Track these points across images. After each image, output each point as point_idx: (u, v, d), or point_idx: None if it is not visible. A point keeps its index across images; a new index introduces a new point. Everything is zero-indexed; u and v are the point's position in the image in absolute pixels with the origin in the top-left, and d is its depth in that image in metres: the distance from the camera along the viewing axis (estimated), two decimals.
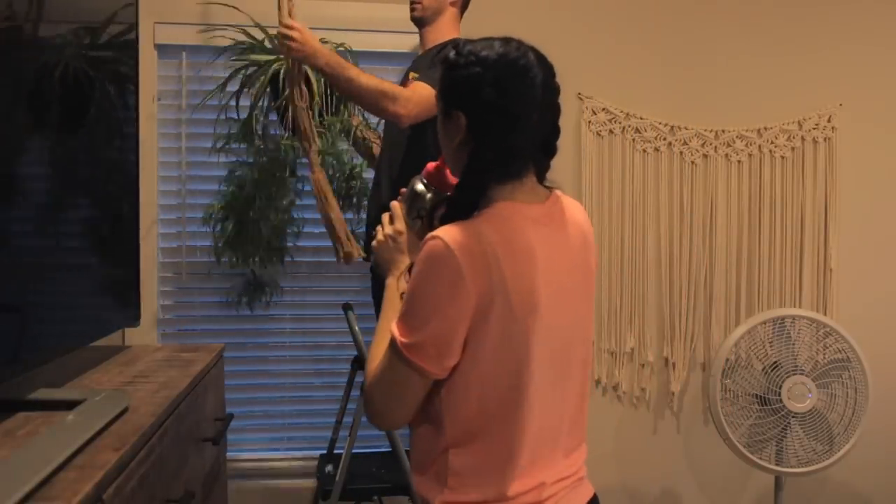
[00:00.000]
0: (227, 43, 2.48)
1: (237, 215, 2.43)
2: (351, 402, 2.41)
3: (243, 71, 2.42)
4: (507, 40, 1.29)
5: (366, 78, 2.05)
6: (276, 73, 2.30)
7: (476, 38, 1.32)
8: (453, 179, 1.34)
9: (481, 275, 1.17)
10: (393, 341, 1.22)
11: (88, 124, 1.75)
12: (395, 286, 1.34)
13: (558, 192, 1.38)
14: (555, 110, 1.33)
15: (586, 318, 1.34)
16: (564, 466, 1.31)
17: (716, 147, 2.85)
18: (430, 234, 1.21)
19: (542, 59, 1.31)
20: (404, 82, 2.20)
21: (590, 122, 2.80)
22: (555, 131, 1.35)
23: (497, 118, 1.25)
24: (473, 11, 2.37)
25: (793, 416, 2.46)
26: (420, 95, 2.04)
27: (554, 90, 1.32)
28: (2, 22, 1.27)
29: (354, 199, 2.48)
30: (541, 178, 1.36)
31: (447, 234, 1.19)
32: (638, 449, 2.86)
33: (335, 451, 2.43)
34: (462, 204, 1.26)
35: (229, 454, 2.23)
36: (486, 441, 1.23)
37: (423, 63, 2.18)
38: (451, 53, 1.30)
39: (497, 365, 1.21)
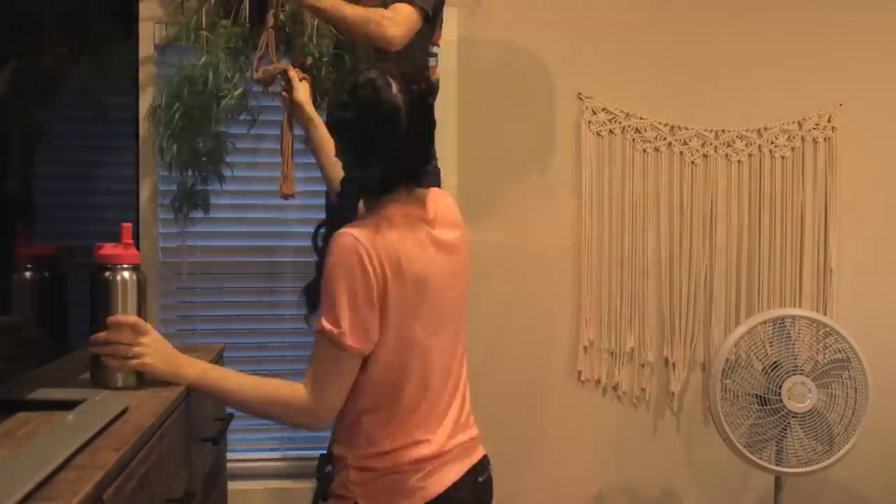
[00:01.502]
0: None
1: (184, 108, 2.34)
2: None
3: None
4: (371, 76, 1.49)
5: (350, 9, 2.01)
6: None
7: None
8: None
9: (382, 263, 1.40)
10: (327, 338, 1.41)
11: (87, 124, 1.75)
12: None
13: (433, 193, 1.59)
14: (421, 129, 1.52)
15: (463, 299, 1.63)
16: (460, 428, 1.57)
17: (716, 147, 2.85)
18: (338, 232, 1.43)
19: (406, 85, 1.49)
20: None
21: (590, 122, 2.80)
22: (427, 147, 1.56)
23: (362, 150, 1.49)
24: (475, 13, 2.37)
25: (793, 416, 2.46)
26: (402, 14, 2.04)
27: (424, 110, 1.52)
28: (2, 21, 1.27)
29: None
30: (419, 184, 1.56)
31: (353, 230, 1.42)
32: (638, 449, 2.86)
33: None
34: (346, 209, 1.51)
35: (229, 454, 2.23)
36: (392, 403, 1.48)
37: None
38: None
39: (399, 340, 1.45)
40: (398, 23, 2.03)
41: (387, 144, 1.47)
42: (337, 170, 1.69)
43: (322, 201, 2.40)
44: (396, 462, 1.49)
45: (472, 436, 1.61)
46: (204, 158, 2.42)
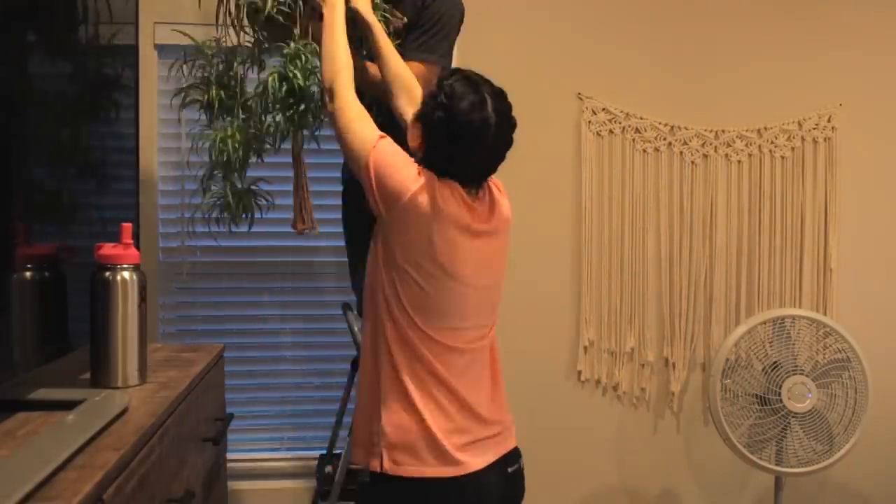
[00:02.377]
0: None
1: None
2: (350, 403, 2.41)
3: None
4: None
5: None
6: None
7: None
8: None
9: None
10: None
11: (87, 124, 1.75)
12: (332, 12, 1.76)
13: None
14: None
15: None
16: None
17: (716, 147, 2.85)
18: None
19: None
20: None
21: (590, 122, 2.80)
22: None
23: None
24: (474, 13, 2.37)
25: (793, 416, 2.46)
26: (422, 83, 1.96)
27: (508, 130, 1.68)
28: (2, 21, 1.27)
29: None
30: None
31: None
32: (638, 449, 2.86)
33: (335, 451, 2.43)
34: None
35: (229, 454, 2.23)
36: None
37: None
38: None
39: None
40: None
41: (466, 155, 1.60)
42: (396, 88, 1.83)
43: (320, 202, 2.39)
44: None
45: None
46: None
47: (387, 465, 1.58)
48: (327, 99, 1.70)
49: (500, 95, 1.63)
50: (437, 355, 1.60)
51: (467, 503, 1.62)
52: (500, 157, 1.67)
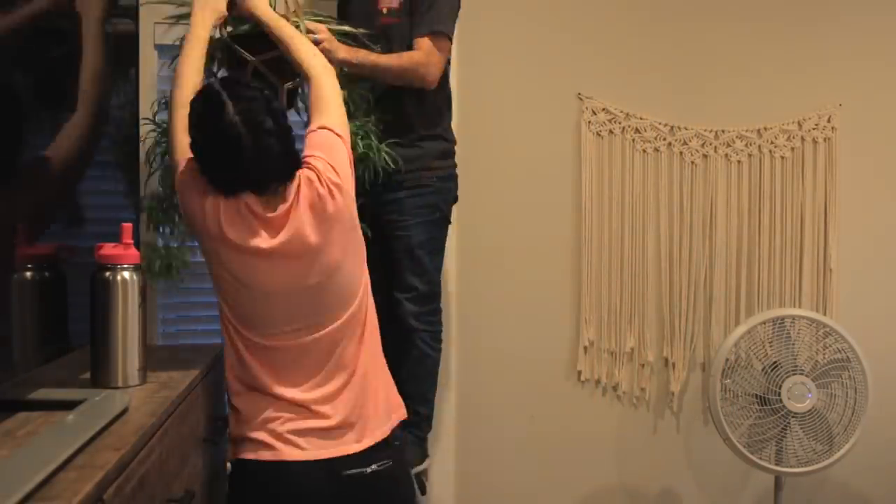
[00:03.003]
0: None
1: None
2: None
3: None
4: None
5: (384, 59, 2.09)
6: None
7: None
8: None
9: None
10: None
11: (87, 124, 1.75)
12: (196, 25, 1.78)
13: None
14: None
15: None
16: None
17: (716, 147, 2.85)
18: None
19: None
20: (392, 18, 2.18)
21: (590, 122, 2.80)
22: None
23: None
24: (475, 13, 2.37)
25: (792, 416, 2.46)
26: (434, 57, 2.14)
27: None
28: (3, 21, 1.27)
29: None
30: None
31: None
32: (638, 449, 2.86)
33: None
34: None
35: None
36: None
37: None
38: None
39: None
40: (433, 64, 2.14)
41: (218, 167, 1.59)
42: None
43: None
44: None
45: None
46: None
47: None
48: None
49: (243, 96, 1.57)
50: (253, 353, 1.66)
51: (276, 489, 1.63)
52: (272, 158, 1.58)
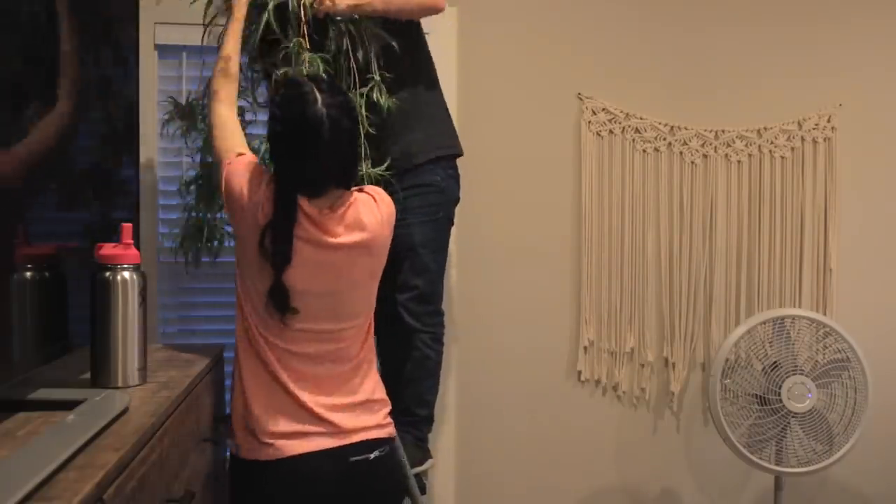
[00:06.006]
0: None
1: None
2: None
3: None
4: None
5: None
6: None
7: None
8: None
9: None
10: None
11: (87, 124, 1.75)
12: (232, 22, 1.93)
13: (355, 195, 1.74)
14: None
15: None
16: None
17: (716, 147, 2.85)
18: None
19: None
20: None
21: (590, 122, 2.80)
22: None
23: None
24: (474, 13, 2.37)
25: (792, 416, 2.46)
26: None
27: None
28: (2, 20, 1.27)
29: None
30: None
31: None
32: (638, 449, 2.86)
33: None
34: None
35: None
36: None
37: None
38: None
39: None
40: None
41: (303, 155, 1.64)
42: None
43: None
44: None
45: None
46: None
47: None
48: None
49: (335, 90, 1.68)
50: (272, 352, 1.71)
51: (285, 481, 1.69)
52: (348, 152, 1.70)
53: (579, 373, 2.82)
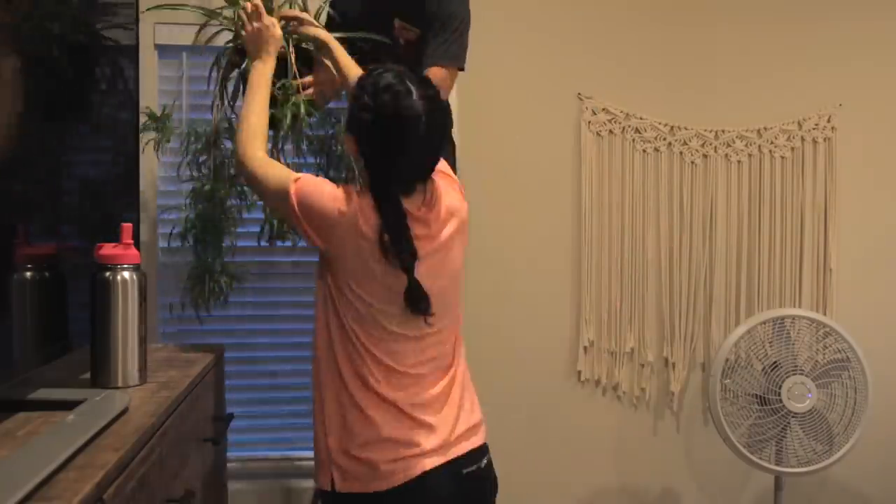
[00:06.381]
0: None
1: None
2: None
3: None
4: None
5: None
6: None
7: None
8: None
9: None
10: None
11: (88, 124, 1.75)
12: (263, 68, 1.84)
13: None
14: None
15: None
16: None
17: (716, 147, 2.85)
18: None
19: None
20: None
21: (590, 122, 2.80)
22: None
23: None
24: (475, 14, 2.37)
25: (792, 416, 2.46)
26: (446, 83, 2.08)
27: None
28: (2, 21, 1.27)
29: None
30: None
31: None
32: (638, 449, 2.86)
33: None
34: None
35: (229, 454, 2.23)
36: None
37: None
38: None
39: None
40: (443, 91, 2.07)
41: (401, 149, 1.58)
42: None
43: None
44: None
45: None
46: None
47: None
48: (237, 160, 1.74)
49: (425, 83, 1.61)
50: (391, 379, 1.63)
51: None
52: (440, 147, 1.64)
53: (579, 373, 2.82)
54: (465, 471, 1.67)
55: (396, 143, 1.57)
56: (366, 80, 1.61)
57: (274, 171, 1.69)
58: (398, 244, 1.56)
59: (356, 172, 1.79)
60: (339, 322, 1.63)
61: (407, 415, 1.62)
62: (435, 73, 2.08)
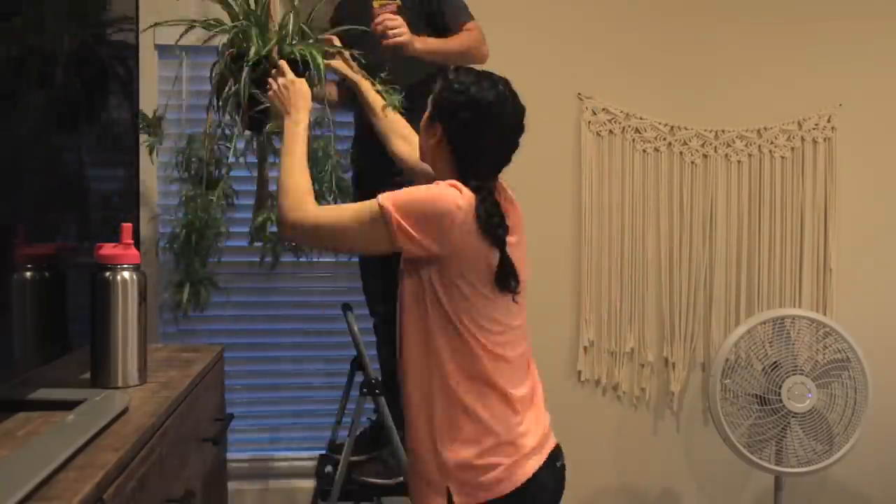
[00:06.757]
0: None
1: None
2: (350, 402, 2.41)
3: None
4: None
5: (450, 43, 2.23)
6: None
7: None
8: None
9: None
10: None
11: (87, 124, 1.75)
12: (294, 127, 1.74)
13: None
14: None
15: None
16: None
17: (716, 147, 2.85)
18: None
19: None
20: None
21: (590, 122, 2.80)
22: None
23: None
24: (475, 14, 2.37)
25: (792, 416, 2.46)
26: (481, 33, 2.29)
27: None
28: (1, 21, 1.27)
29: None
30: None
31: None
32: (638, 449, 2.86)
33: (335, 452, 2.43)
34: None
35: (229, 454, 2.23)
36: None
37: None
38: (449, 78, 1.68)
39: None
40: (484, 42, 2.31)
41: (500, 140, 1.70)
42: (391, 134, 1.94)
43: None
44: None
45: None
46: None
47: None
48: (290, 225, 1.62)
49: (506, 82, 1.70)
50: (500, 372, 1.67)
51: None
52: (517, 139, 1.74)
53: (579, 373, 2.82)
54: (558, 464, 1.73)
55: (493, 127, 1.64)
56: (458, 71, 1.67)
57: (340, 210, 1.66)
58: (493, 217, 1.58)
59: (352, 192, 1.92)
60: (445, 318, 1.59)
61: (515, 410, 1.65)
62: (471, 28, 2.27)
